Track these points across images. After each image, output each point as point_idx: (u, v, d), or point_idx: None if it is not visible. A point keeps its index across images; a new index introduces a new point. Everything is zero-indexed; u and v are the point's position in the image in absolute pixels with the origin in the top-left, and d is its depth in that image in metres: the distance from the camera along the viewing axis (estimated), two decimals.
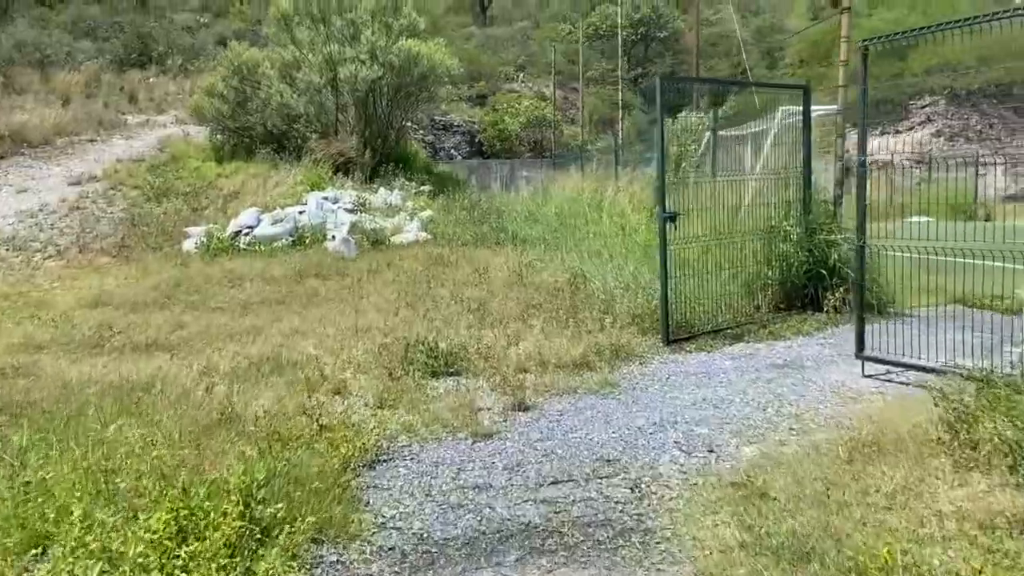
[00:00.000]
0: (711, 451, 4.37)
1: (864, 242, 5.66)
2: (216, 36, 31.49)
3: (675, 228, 6.85)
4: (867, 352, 5.80)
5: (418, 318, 7.81)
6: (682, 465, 4.18)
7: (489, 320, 7.63)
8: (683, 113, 13.08)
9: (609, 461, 4.27)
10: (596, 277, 8.92)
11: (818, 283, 7.86)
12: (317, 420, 4.39)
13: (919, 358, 5.67)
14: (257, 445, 3.91)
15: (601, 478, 4.06)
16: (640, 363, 6.37)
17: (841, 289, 7.67)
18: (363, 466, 4.19)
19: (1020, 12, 4.81)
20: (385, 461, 4.33)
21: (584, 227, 13.14)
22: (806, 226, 7.90)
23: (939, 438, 3.89)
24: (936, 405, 4.29)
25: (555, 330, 7.09)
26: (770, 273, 7.85)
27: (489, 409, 5.24)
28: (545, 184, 20.16)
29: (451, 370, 6.08)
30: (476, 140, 30.79)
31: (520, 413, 5.16)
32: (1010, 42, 32.29)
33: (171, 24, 32.64)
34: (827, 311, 7.69)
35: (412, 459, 4.37)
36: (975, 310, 8.05)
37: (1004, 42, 31.24)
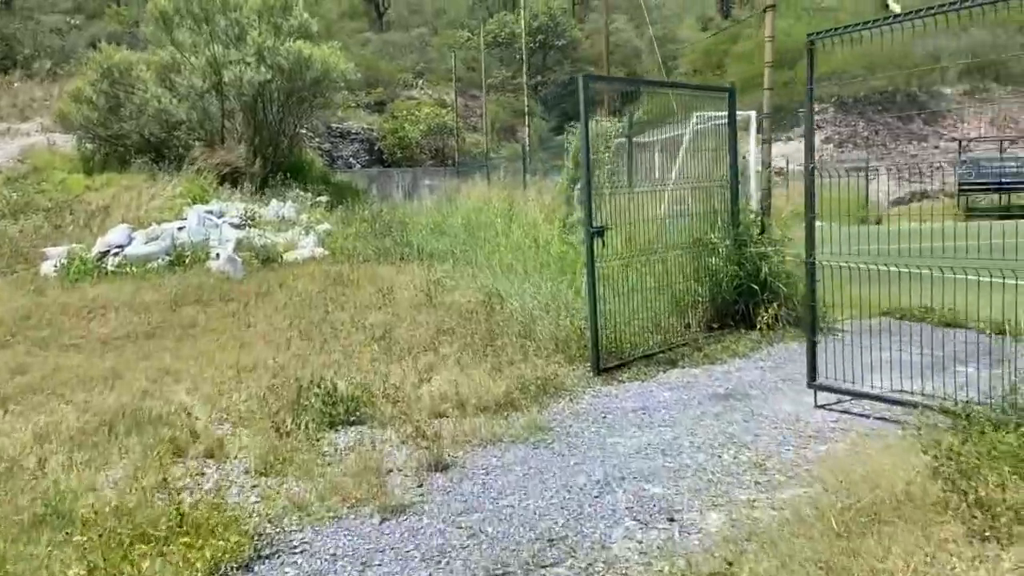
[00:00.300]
0: (671, 519, 3.63)
1: (813, 258, 5.09)
2: (89, 39, 29.12)
3: (603, 244, 6.15)
4: (820, 380, 5.22)
5: (314, 351, 6.82)
6: (640, 542, 3.42)
7: (396, 350, 6.72)
8: (594, 118, 12.52)
9: (552, 540, 3.46)
10: (513, 296, 8.15)
11: (749, 299, 7.34)
12: (178, 507, 3.39)
13: (872, 386, 5.15)
14: (86, 558, 2.89)
15: (545, 566, 3.24)
16: (571, 399, 5.61)
17: (774, 304, 7.17)
18: (237, 569, 3.24)
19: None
20: (267, 558, 3.37)
21: (494, 239, 12.37)
22: (735, 238, 7.37)
23: (944, 501, 3.26)
24: (925, 453, 3.70)
25: (472, 361, 6.27)
26: (699, 290, 7.28)
27: (400, 470, 4.35)
28: (450, 193, 19.33)
29: (353, 418, 5.16)
30: (376, 148, 29.63)
31: (438, 474, 4.29)
32: (891, 50, 33.75)
33: (39, 26, 30.05)
34: (760, 328, 7.18)
35: (303, 552, 3.43)
36: (904, 322, 7.72)
37: (887, 50, 32.59)
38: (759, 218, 7.59)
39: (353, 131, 29.23)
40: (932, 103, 34.18)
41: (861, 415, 5.00)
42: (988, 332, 6.93)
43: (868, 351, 5.41)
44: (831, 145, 32.50)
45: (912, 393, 5.02)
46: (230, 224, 13.14)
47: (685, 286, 7.21)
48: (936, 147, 32.81)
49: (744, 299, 7.36)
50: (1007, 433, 3.99)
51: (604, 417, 5.20)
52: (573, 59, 45.30)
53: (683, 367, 6.38)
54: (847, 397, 5.24)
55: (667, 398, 5.56)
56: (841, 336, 7.17)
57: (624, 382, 6.02)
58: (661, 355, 6.63)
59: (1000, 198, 27.78)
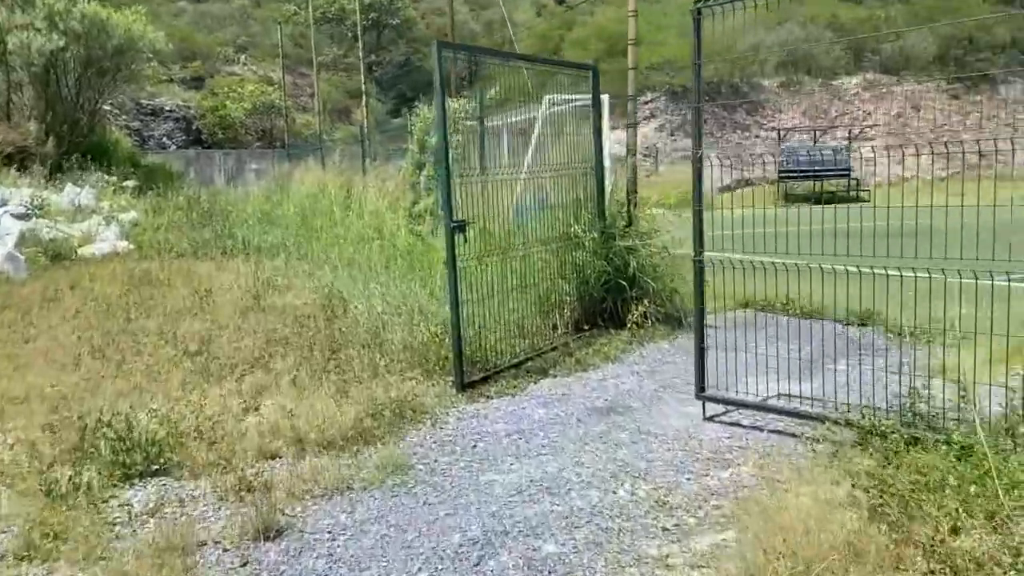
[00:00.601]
0: None
1: (702, 256, 4.53)
2: None
3: (465, 241, 5.33)
4: (709, 391, 4.69)
5: (109, 372, 5.54)
6: None
7: (216, 368, 5.60)
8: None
9: None
10: (357, 298, 7.17)
11: (617, 295, 6.80)
12: None
13: (754, 393, 4.72)
14: None
15: None
16: (433, 423, 4.77)
17: (644, 301, 6.67)
18: None
19: None
20: None
21: (333, 230, 11.24)
22: (602, 231, 6.80)
23: (896, 555, 2.73)
24: (852, 485, 3.20)
25: (311, 380, 5.28)
26: (566, 287, 6.64)
27: (217, 542, 3.34)
28: (281, 179, 17.79)
29: (155, 467, 4.04)
30: (193, 127, 27.12)
31: (269, 544, 3.32)
32: (714, 42, 35.19)
33: None
34: (630, 327, 6.66)
35: None
36: (767, 314, 7.49)
37: (710, 41, 33.96)
38: (625, 208, 7.06)
39: (167, 108, 26.56)
40: (753, 94, 36.05)
41: (754, 427, 4.51)
42: (848, 323, 6.79)
43: (739, 349, 4.98)
44: (664, 133, 33.47)
45: (802, 400, 4.60)
46: (12, 215, 11.12)
47: (551, 284, 6.55)
48: (757, 136, 34.65)
49: (612, 296, 6.81)
50: (924, 451, 3.59)
51: (474, 446, 4.41)
52: (408, 39, 44.08)
53: (555, 376, 5.70)
54: (732, 406, 4.75)
55: (543, 416, 4.85)
56: (709, 332, 6.80)
57: (492, 398, 5.25)
58: (530, 363, 5.93)
59: (815, 185, 29.66)
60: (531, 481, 3.89)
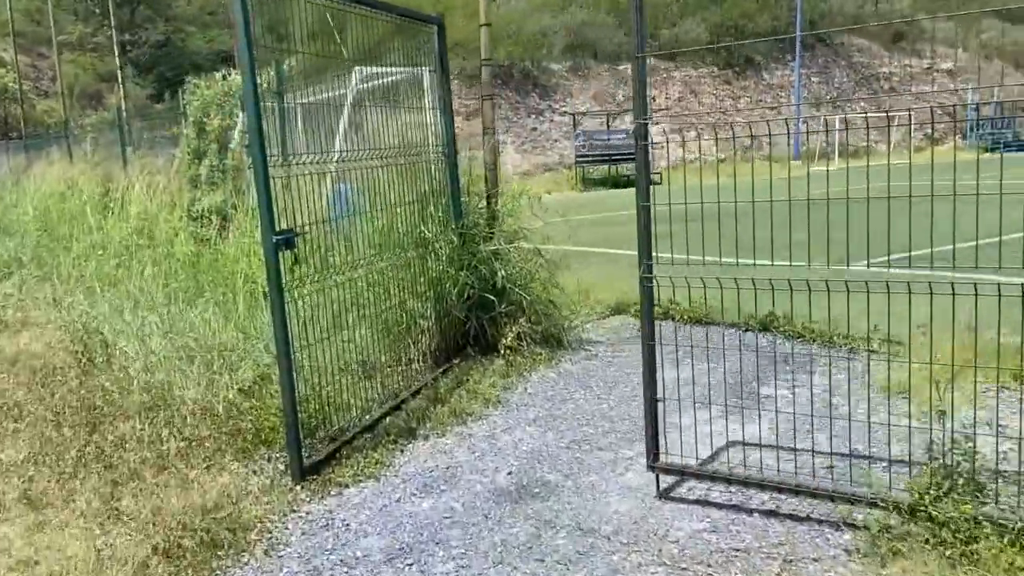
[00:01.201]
0: None
1: (652, 272, 3.23)
2: None
3: (295, 260, 3.63)
4: (663, 459, 3.41)
5: None
6: None
7: None
8: (220, 72, 9.50)
9: None
10: (127, 336, 5.20)
11: (484, 313, 5.40)
12: None
13: (698, 444, 3.55)
14: None
15: None
16: (267, 549, 3.09)
17: (518, 319, 5.33)
18: None
19: None
20: None
21: (88, 237, 8.81)
22: (460, 233, 5.35)
23: None
24: None
25: (58, 485, 3.39)
26: (421, 309, 5.11)
27: None
28: (16, 175, 14.51)
29: None
30: None
31: None
32: (506, 27, 34.66)
33: None
34: (503, 352, 5.30)
35: None
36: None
37: (500, 25, 33.34)
38: (485, 203, 5.64)
39: None
40: (543, 78, 35.95)
41: (734, 508, 3.28)
42: (748, 328, 5.89)
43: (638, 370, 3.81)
44: (460, 118, 32.37)
45: (797, 468, 3.48)
46: None
47: (402, 307, 4.98)
48: (552, 120, 34.60)
49: (477, 315, 5.39)
50: (1004, 542, 2.55)
51: None
52: (168, 16, 39.80)
53: (427, 436, 4.19)
54: (688, 476, 3.51)
55: (430, 514, 3.33)
56: (597, 353, 5.60)
57: (349, 486, 3.64)
58: (390, 418, 4.36)
59: (610, 169, 30.00)
60: None
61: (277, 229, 3.46)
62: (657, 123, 35.88)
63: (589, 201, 20.70)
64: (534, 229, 5.68)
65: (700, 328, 5.98)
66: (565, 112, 34.41)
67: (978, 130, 33.47)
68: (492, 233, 5.48)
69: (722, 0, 41.52)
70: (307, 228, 3.77)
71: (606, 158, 30.31)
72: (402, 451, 4.00)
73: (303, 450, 3.70)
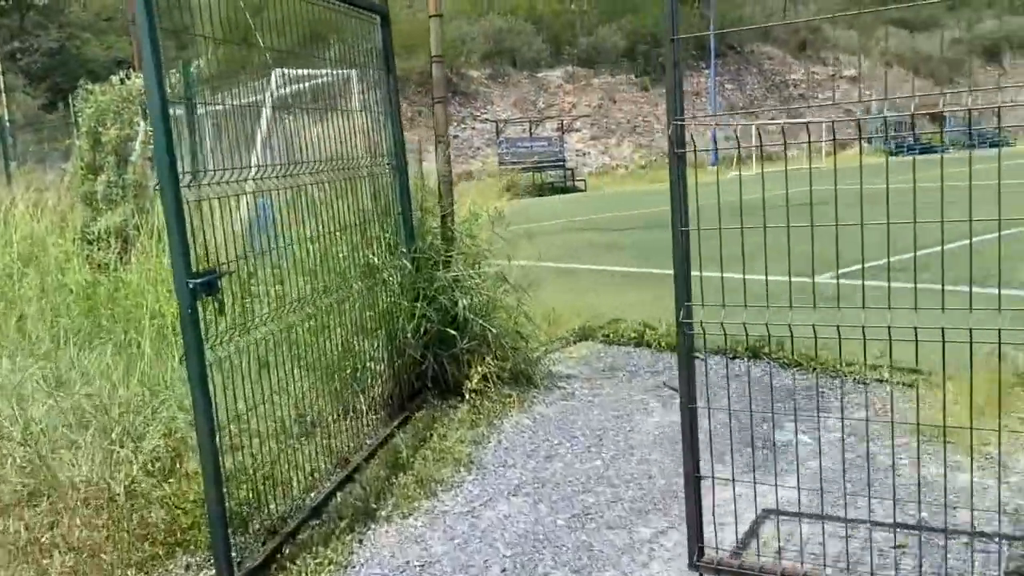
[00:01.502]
0: None
1: (691, 317, 2.53)
2: None
3: (218, 308, 2.76)
4: (708, 554, 2.71)
5: None
6: None
7: None
8: (118, 76, 8.38)
9: None
10: (3, 396, 4.17)
11: (443, 350, 4.62)
12: None
13: (756, 535, 2.89)
14: None
15: None
16: None
17: (487, 358, 4.57)
18: None
19: None
20: None
21: None
22: (413, 258, 4.55)
23: None
24: None
25: None
26: (371, 350, 4.29)
27: None
28: None
29: None
30: None
31: None
32: (419, 35, 33.89)
33: None
34: (467, 396, 4.53)
35: None
36: (618, 349, 5.84)
37: (418, 32, 32.49)
38: (440, 222, 4.85)
39: None
40: (463, 85, 35.25)
41: None
42: (735, 356, 5.29)
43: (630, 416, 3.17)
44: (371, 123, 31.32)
45: (858, 549, 2.84)
46: None
47: (347, 350, 4.14)
48: (473, 128, 33.92)
49: (435, 352, 4.60)
50: None
51: None
52: (61, 23, 37.48)
53: (390, 517, 3.37)
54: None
55: None
56: (573, 390, 4.90)
57: None
58: (341, 493, 3.53)
59: (535, 176, 29.53)
60: None
61: (194, 270, 2.60)
62: (579, 131, 35.73)
63: (515, 213, 20.06)
64: (496, 250, 4.93)
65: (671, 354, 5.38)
66: (487, 120, 33.79)
67: (886, 135, 34.58)
68: (450, 257, 4.70)
69: (637, 8, 41.80)
70: (232, 265, 2.92)
71: (529, 165, 29.84)
72: (361, 541, 3.18)
73: (233, 552, 2.84)
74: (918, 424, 2.84)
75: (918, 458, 3.02)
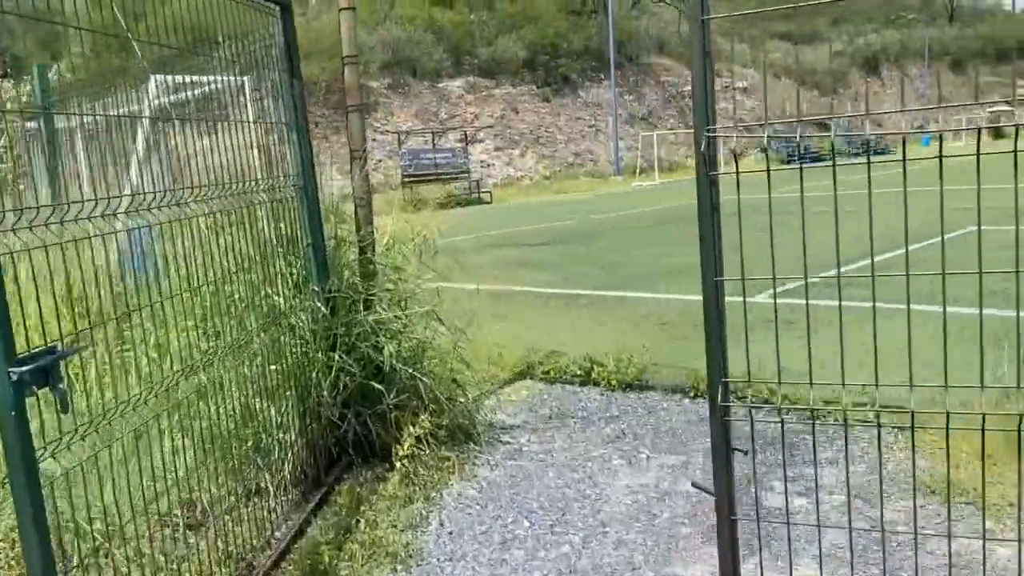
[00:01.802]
0: None
1: (727, 393, 1.90)
2: None
3: (63, 410, 1.93)
4: None
5: None
6: None
7: None
8: None
9: None
10: None
11: (367, 408, 3.85)
12: None
13: None
14: None
15: None
16: None
17: (421, 416, 3.84)
18: None
19: None
20: None
21: None
22: (327, 298, 3.77)
23: None
24: None
25: None
26: (274, 414, 3.47)
27: None
28: None
29: None
30: None
31: None
32: (318, 40, 32.55)
33: None
34: (399, 464, 3.78)
35: None
36: (563, 388, 5.22)
37: (316, 39, 31.17)
38: (358, 254, 4.06)
39: None
40: (362, 95, 34.12)
41: None
42: (697, 394, 4.74)
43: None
44: (272, 137, 29.84)
45: None
46: None
47: (244, 416, 3.31)
48: (374, 140, 32.81)
49: (357, 410, 3.83)
50: None
51: None
52: None
53: None
54: None
55: None
56: (520, 446, 4.23)
57: None
58: None
59: (445, 186, 28.77)
60: None
61: (19, 354, 1.77)
62: (482, 141, 35.22)
63: (423, 229, 19.22)
64: (426, 281, 4.20)
65: (636, 393, 4.81)
66: (387, 131, 32.78)
67: (772, 145, 35.66)
68: (372, 295, 3.94)
69: (536, 19, 41.74)
70: (85, 340, 2.08)
71: (432, 177, 29.12)
72: None
73: None
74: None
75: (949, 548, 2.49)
